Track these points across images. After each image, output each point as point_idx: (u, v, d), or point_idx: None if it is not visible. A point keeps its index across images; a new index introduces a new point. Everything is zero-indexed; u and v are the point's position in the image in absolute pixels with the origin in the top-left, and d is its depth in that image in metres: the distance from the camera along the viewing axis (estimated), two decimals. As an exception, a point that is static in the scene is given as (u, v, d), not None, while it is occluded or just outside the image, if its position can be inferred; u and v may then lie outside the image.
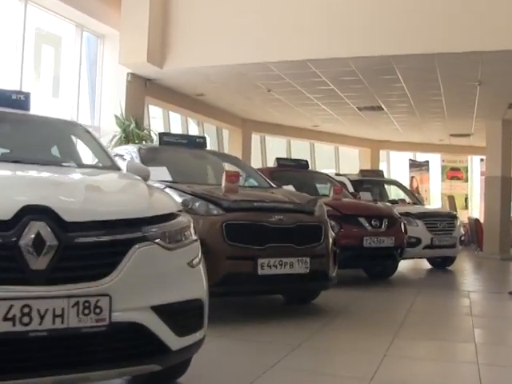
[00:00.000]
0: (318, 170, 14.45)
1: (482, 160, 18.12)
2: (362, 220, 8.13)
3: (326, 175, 10.83)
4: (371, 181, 12.07)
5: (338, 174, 12.30)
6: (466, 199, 20.53)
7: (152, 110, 13.42)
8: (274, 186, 7.05)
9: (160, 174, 5.80)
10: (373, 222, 8.15)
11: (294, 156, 17.72)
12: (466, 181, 20.63)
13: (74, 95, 11.14)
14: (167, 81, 12.03)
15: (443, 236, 10.31)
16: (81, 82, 11.38)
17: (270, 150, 18.48)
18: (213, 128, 16.56)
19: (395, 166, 20.95)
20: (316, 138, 17.93)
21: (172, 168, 6.50)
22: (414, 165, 20.26)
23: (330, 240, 5.98)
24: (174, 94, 12.90)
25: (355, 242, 7.97)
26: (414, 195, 12.32)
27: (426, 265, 11.36)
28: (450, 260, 11.07)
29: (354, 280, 9.23)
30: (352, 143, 18.89)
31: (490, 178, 14.72)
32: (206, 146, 7.45)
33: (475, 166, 20.50)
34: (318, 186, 10.25)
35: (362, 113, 14.35)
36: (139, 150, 6.81)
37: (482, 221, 15.35)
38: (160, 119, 14.22)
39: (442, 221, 10.43)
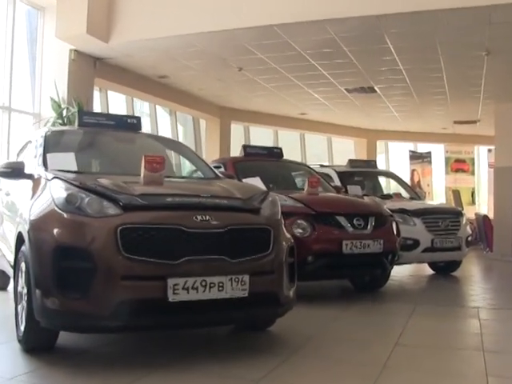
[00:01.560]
0: (309, 163, 12.70)
1: (489, 151, 16.84)
2: (340, 219, 6.42)
3: (305, 165, 9.11)
4: (362, 172, 10.36)
5: (323, 166, 10.52)
6: (473, 194, 18.89)
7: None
8: (222, 176, 5.43)
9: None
10: (355, 222, 6.43)
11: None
12: (473, 173, 19.00)
13: (6, 77, 9.41)
14: (121, 60, 10.32)
15: (446, 237, 8.59)
16: (17, 62, 9.67)
17: (255, 142, 16.73)
18: (190, 118, 14.86)
19: (395, 158, 19.30)
20: (305, 128, 16.21)
21: (83, 155, 5.24)
22: (415, 156, 18.51)
23: (284, 248, 4.22)
24: (133, 77, 11.21)
25: (332, 248, 6.30)
26: (413, 189, 10.53)
27: (426, 270, 9.66)
28: (455, 264, 9.33)
29: (333, 293, 7.50)
30: (345, 133, 17.18)
31: (500, 169, 12.98)
32: (140, 128, 5.85)
33: (482, 157, 18.95)
34: (296, 179, 8.49)
35: (352, 96, 12.58)
36: (46, 133, 5.19)
37: (491, 217, 13.62)
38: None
39: (444, 219, 8.68)
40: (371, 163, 10.71)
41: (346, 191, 8.62)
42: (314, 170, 8.63)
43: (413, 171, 18.35)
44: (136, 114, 12.32)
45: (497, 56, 9.13)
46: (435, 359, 4.05)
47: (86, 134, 5.52)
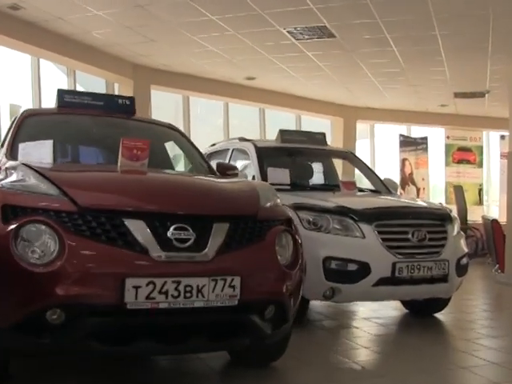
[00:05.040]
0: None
1: (502, 137, 13.80)
2: (133, 226, 2.78)
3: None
4: (300, 150, 6.63)
5: (244, 139, 6.78)
6: (480, 191, 15.27)
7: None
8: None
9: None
10: (171, 235, 2.89)
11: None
12: (481, 166, 15.37)
13: None
14: None
15: (421, 258, 4.87)
16: None
17: (199, 116, 13.01)
18: (100, 81, 11.10)
19: (383, 145, 15.44)
20: (256, 99, 12.43)
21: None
22: (407, 142, 14.78)
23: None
24: None
25: (103, 295, 2.75)
26: (379, 178, 6.70)
27: (393, 305, 5.90)
28: (440, 302, 5.57)
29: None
30: (315, 110, 13.37)
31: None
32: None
33: (493, 144, 15.43)
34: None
35: (301, 44, 8.75)
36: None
37: (502, 222, 9.76)
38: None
39: (418, 226, 4.98)
40: (316, 137, 6.91)
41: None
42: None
43: (403, 161, 14.61)
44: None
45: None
46: None
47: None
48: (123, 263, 2.63)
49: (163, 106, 12.59)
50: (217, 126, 13.22)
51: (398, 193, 12.69)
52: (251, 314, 2.95)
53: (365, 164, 7.00)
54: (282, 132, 6.73)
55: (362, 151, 14.74)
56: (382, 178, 6.72)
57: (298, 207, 5.03)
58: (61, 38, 8.83)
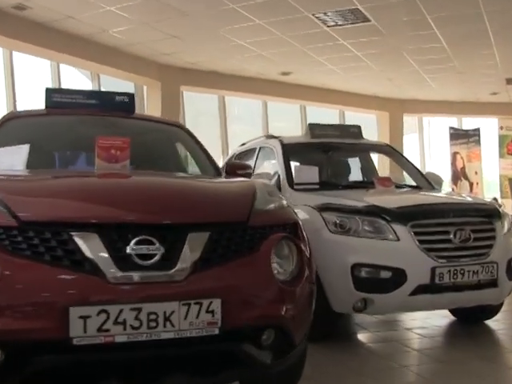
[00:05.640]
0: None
1: None
2: (82, 240, 2.28)
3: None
4: (333, 146, 6.06)
5: (272, 137, 6.27)
6: (540, 185, 14.42)
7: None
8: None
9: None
10: (132, 250, 2.29)
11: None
12: (539, 157, 14.47)
13: None
14: None
15: (465, 261, 4.23)
16: None
17: (236, 117, 12.59)
18: (129, 85, 10.81)
19: (433, 139, 14.65)
20: (295, 96, 11.89)
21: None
22: (458, 135, 13.96)
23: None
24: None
25: (42, 328, 2.20)
26: (422, 174, 6.07)
27: (440, 312, 5.34)
28: (491, 309, 4.92)
29: None
30: (360, 105, 12.73)
31: None
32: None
33: None
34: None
35: (334, 32, 8.19)
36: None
37: None
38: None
39: (460, 225, 4.35)
40: (350, 131, 6.32)
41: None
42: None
43: (455, 154, 13.80)
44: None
45: None
46: None
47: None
48: (67, 288, 2.13)
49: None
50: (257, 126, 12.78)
51: (450, 188, 11.92)
52: (241, 342, 2.41)
53: (405, 158, 6.37)
54: (312, 126, 6.18)
55: (410, 146, 14.06)
56: (425, 172, 6.09)
57: (323, 208, 4.50)
58: (78, 39, 8.54)
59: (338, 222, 4.34)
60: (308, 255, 2.79)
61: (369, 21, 7.62)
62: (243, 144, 7.16)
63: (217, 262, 2.34)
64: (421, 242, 4.18)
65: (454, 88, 12.11)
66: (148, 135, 4.24)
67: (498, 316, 5.15)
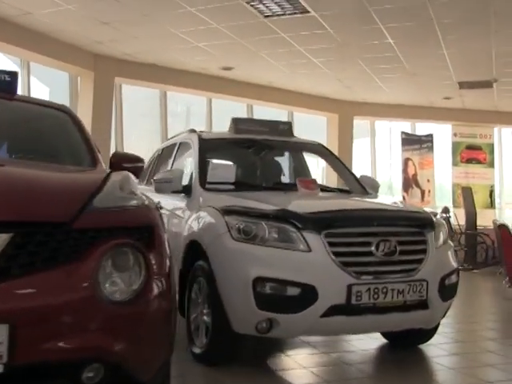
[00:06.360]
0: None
1: None
2: None
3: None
4: (259, 143, 5.38)
5: (191, 131, 5.57)
6: (492, 193, 13.92)
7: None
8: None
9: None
10: None
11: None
12: (492, 165, 13.97)
13: None
14: None
15: (390, 278, 3.57)
16: None
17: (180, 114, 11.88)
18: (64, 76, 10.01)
19: (385, 144, 14.16)
20: (239, 93, 11.22)
21: None
22: (410, 141, 13.47)
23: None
24: None
25: None
26: (356, 177, 5.41)
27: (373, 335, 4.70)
28: (424, 333, 4.30)
29: None
30: (308, 105, 12.11)
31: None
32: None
33: (506, 142, 14.16)
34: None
35: (271, 23, 7.52)
36: None
37: (512, 228, 8.48)
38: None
39: (386, 235, 3.68)
40: (280, 127, 5.66)
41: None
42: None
43: (406, 161, 13.30)
44: None
45: None
46: None
47: None
48: None
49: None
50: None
51: (401, 196, 11.30)
52: (47, 381, 1.76)
53: (338, 159, 5.73)
54: (236, 121, 5.49)
55: (361, 150, 13.52)
56: (359, 176, 5.45)
57: (227, 211, 3.82)
58: (3, 22, 7.71)
59: (241, 227, 3.67)
60: (166, 268, 2.21)
61: (308, 12, 6.95)
62: (169, 139, 6.51)
63: (17, 274, 1.81)
64: (336, 254, 3.54)
65: (406, 91, 11.54)
66: (28, 120, 3.57)
67: (435, 339, 4.55)
